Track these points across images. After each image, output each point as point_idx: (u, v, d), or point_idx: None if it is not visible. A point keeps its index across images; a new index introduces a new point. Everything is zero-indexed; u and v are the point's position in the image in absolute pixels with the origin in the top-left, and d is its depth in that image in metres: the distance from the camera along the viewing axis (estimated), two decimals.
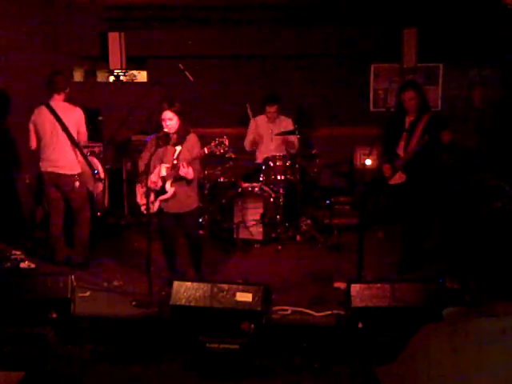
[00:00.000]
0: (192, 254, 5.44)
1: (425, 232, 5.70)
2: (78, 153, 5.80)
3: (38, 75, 7.28)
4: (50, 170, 5.75)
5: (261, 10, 7.97)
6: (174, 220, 5.28)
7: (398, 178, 5.52)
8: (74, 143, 5.75)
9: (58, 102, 5.77)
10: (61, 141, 5.70)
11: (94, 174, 5.91)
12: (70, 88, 5.85)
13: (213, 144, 4.90)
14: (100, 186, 6.08)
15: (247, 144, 7.41)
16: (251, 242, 6.57)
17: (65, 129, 5.69)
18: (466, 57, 8.01)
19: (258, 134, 7.31)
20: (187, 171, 4.96)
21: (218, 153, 4.92)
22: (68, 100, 5.85)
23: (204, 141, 5.18)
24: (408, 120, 5.49)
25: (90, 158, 6.00)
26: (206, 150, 4.94)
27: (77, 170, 5.78)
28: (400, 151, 5.50)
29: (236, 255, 6.33)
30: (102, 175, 6.04)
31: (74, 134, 5.76)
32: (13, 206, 6.95)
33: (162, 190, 5.11)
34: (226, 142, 4.87)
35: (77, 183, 5.76)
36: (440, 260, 5.78)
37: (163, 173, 5.10)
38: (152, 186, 5.07)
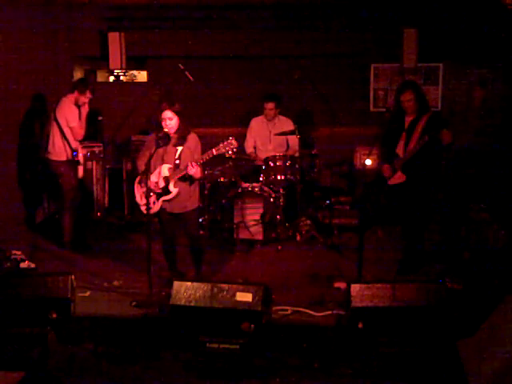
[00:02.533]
0: (192, 253, 5.44)
1: (425, 232, 5.70)
2: (66, 144, 6.29)
3: (38, 75, 7.29)
4: (46, 156, 6.38)
5: (261, 9, 7.95)
6: (174, 220, 5.28)
7: (398, 178, 5.52)
8: (63, 134, 6.25)
9: (67, 99, 6.31)
10: (53, 131, 6.31)
11: (73, 156, 6.31)
12: (78, 93, 6.30)
13: (221, 145, 4.91)
14: (80, 169, 6.46)
15: (248, 147, 7.42)
16: (251, 242, 6.56)
17: (56, 121, 6.27)
18: (466, 57, 8.00)
19: (256, 135, 7.32)
20: (196, 170, 4.96)
21: (226, 154, 4.99)
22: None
23: (204, 141, 5.18)
24: (408, 120, 5.49)
25: (74, 146, 6.34)
26: (214, 152, 4.93)
27: (62, 158, 6.29)
28: (399, 151, 5.51)
29: (236, 255, 6.32)
30: (81, 159, 6.40)
31: (64, 127, 6.25)
32: (13, 206, 6.95)
33: (165, 191, 5.11)
34: (234, 143, 4.89)
35: (62, 169, 6.31)
36: (440, 260, 5.79)
37: (165, 173, 5.09)
38: (154, 188, 5.07)
